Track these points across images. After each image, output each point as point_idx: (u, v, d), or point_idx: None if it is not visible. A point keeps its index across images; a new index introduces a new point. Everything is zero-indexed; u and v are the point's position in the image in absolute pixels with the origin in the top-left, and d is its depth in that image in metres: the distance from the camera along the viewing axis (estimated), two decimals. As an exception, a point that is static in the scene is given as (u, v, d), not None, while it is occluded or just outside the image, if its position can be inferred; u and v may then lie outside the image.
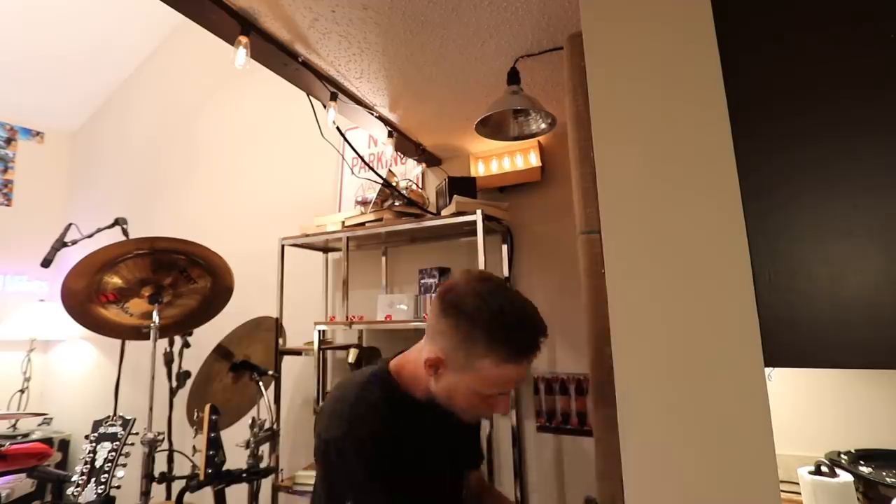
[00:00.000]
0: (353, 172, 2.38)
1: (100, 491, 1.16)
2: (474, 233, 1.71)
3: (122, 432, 1.27)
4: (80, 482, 1.18)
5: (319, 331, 1.92)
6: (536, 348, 0.83)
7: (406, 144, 1.97)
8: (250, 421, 1.60)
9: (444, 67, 1.42)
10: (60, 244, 2.18)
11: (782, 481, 0.84)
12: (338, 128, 1.56)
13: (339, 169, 2.49)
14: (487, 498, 1.17)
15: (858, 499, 0.99)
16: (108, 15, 3.06)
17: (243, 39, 1.18)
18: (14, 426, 3.02)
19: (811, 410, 1.26)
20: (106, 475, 1.19)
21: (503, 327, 0.82)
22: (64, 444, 3.17)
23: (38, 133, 3.73)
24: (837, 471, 0.99)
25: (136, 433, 1.32)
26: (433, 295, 1.88)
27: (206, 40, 1.36)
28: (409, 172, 2.29)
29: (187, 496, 1.39)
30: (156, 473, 1.54)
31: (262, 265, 2.54)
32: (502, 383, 0.85)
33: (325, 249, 2.38)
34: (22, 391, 3.22)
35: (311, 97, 1.52)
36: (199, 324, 1.89)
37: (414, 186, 2.11)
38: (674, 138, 0.64)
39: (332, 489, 0.88)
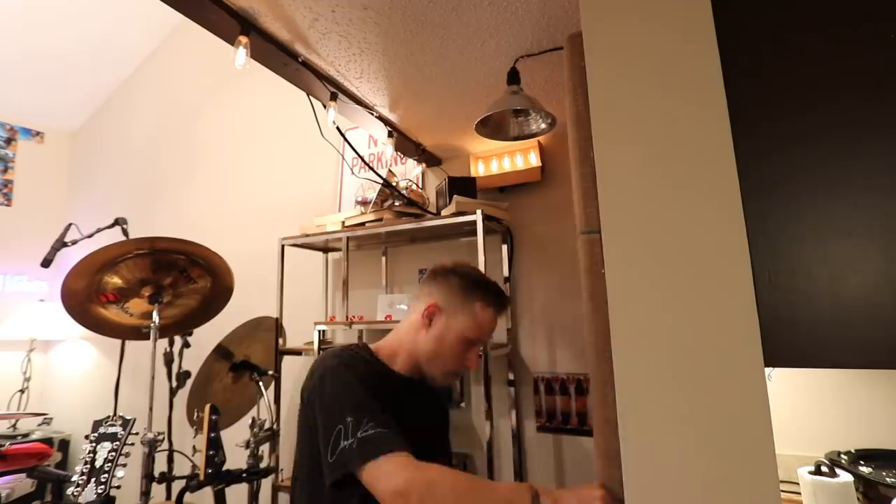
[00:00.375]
0: (353, 172, 2.38)
1: (100, 491, 1.16)
2: (474, 233, 1.71)
3: (122, 432, 1.27)
4: (80, 482, 1.18)
5: (319, 331, 1.92)
6: (506, 304, 1.14)
7: (406, 144, 1.97)
8: (250, 421, 1.60)
9: (444, 67, 1.42)
10: (60, 244, 2.19)
11: (782, 481, 0.84)
12: (338, 128, 1.56)
13: (339, 169, 2.49)
14: None
15: (858, 499, 0.99)
16: (108, 15, 3.06)
17: (243, 39, 1.18)
18: (14, 426, 3.02)
19: (811, 410, 1.26)
20: (106, 475, 1.19)
21: (487, 282, 1.12)
22: (64, 444, 3.17)
23: (38, 133, 3.73)
24: (837, 471, 0.99)
25: (136, 433, 1.32)
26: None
27: (206, 40, 1.36)
28: (409, 172, 2.29)
29: (187, 496, 1.39)
30: (156, 473, 1.54)
31: (262, 265, 2.54)
32: (486, 326, 1.07)
33: (325, 249, 2.38)
34: (22, 391, 3.22)
35: (311, 97, 1.52)
36: (199, 324, 1.89)
37: (414, 186, 2.11)
38: (674, 138, 0.64)
39: (331, 416, 0.87)
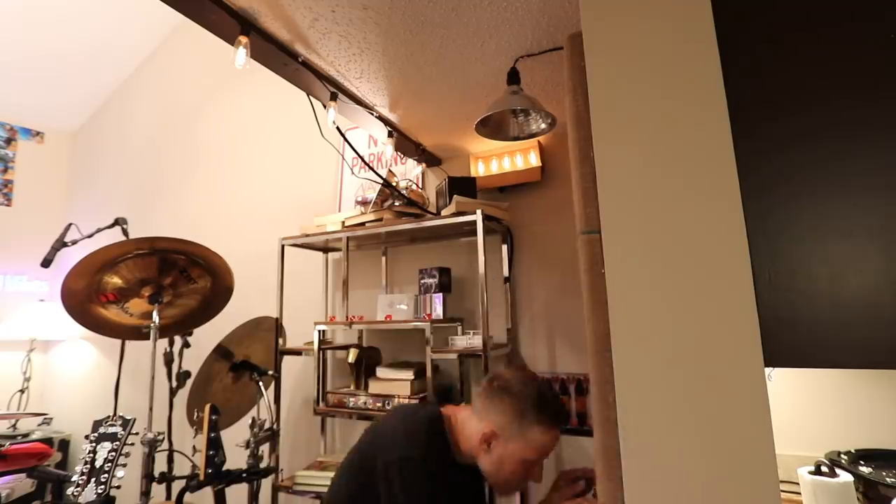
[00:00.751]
0: (353, 172, 2.38)
1: (100, 491, 1.16)
2: (474, 233, 1.71)
3: (122, 432, 1.27)
4: (80, 482, 1.18)
5: (319, 331, 1.92)
6: (566, 421, 1.16)
7: (406, 144, 1.97)
8: (250, 421, 1.60)
9: (444, 67, 1.42)
10: (60, 244, 2.19)
11: (782, 481, 0.84)
12: (338, 128, 1.56)
13: (339, 169, 2.49)
14: None
15: (858, 499, 0.99)
16: (108, 15, 3.06)
17: (243, 39, 1.18)
18: (14, 426, 3.02)
19: (811, 410, 1.26)
20: (106, 475, 1.19)
21: (546, 402, 1.08)
22: (64, 444, 3.17)
23: (38, 133, 3.73)
24: (837, 471, 0.99)
25: (136, 433, 1.32)
26: (427, 296, 1.88)
27: (206, 40, 1.36)
28: (409, 172, 2.29)
29: (187, 496, 1.39)
30: (156, 473, 1.54)
31: (262, 265, 2.55)
32: (545, 448, 1.07)
33: (325, 249, 2.38)
34: (22, 391, 3.22)
35: (311, 97, 1.52)
36: (199, 324, 1.89)
37: (414, 186, 2.11)
38: (674, 138, 0.64)
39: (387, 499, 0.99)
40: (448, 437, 1.11)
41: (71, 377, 3.45)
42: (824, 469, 0.99)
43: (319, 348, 1.93)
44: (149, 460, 1.52)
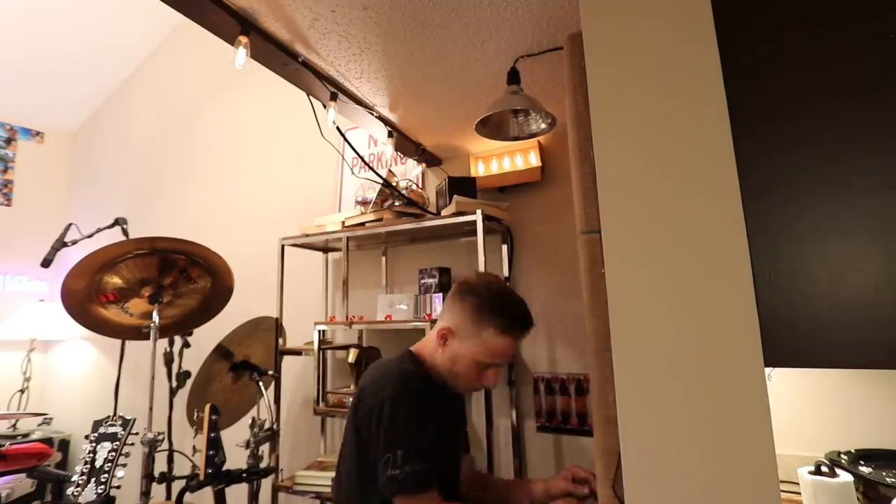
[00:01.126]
0: (353, 172, 2.38)
1: (100, 491, 1.16)
2: (474, 233, 1.71)
3: (122, 432, 1.27)
4: (80, 482, 1.18)
5: (319, 331, 1.92)
6: (527, 328, 1.08)
7: (406, 144, 1.97)
8: (250, 421, 1.60)
9: (444, 67, 1.42)
10: (60, 244, 2.19)
11: (782, 481, 0.84)
12: (338, 128, 1.56)
13: (339, 169, 2.49)
14: (483, 477, 1.37)
15: (858, 499, 0.99)
16: (108, 15, 3.06)
17: (243, 39, 1.18)
18: (14, 426, 3.02)
19: (811, 410, 1.26)
20: (106, 475, 1.19)
21: (504, 304, 1.07)
22: (64, 444, 3.17)
23: (38, 133, 3.73)
24: (837, 471, 0.99)
25: (136, 433, 1.32)
26: (427, 296, 1.88)
27: (206, 40, 1.36)
28: (409, 172, 2.29)
29: (187, 496, 1.39)
30: (156, 473, 1.54)
31: (262, 265, 2.55)
32: (498, 353, 1.06)
33: (325, 249, 2.38)
34: (22, 391, 3.22)
35: (311, 97, 1.52)
36: (199, 324, 1.89)
37: (414, 186, 2.11)
38: (674, 138, 0.64)
39: (384, 443, 0.98)
40: (421, 362, 1.12)
41: (71, 377, 3.45)
42: (824, 469, 0.99)
43: (319, 348, 1.93)
44: (149, 460, 1.52)
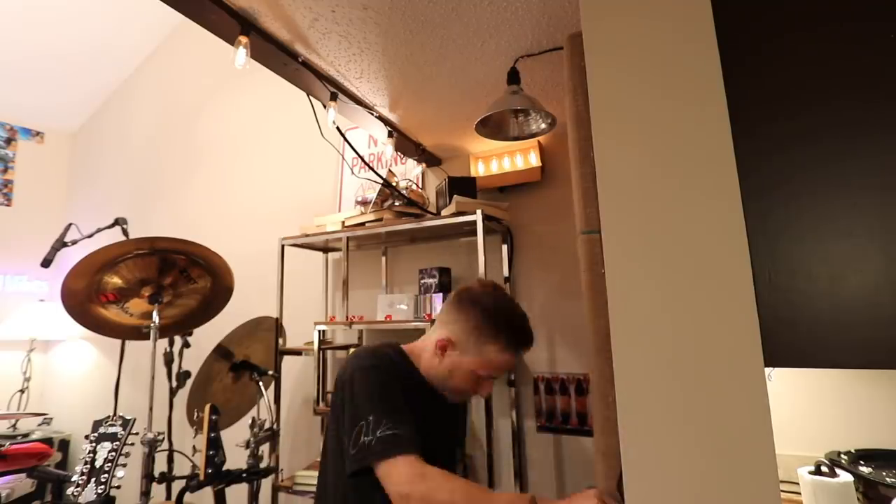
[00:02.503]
0: (353, 172, 2.38)
1: (100, 491, 1.16)
2: (474, 233, 1.71)
3: (122, 432, 1.27)
4: (80, 482, 1.18)
5: (319, 331, 1.92)
6: (530, 346, 1.07)
7: (406, 144, 1.97)
8: (250, 421, 1.60)
9: (444, 67, 1.42)
10: (60, 244, 2.19)
11: (782, 481, 0.84)
12: (338, 128, 1.56)
13: (339, 169, 2.49)
14: None
15: (858, 499, 0.99)
16: (108, 15, 3.06)
17: (243, 39, 1.18)
18: (14, 426, 3.02)
19: (811, 410, 1.26)
20: (106, 475, 1.19)
21: (510, 322, 1.04)
22: (64, 444, 3.17)
23: (38, 133, 3.73)
24: (837, 471, 0.99)
25: (136, 433, 1.32)
26: (427, 296, 1.88)
27: (206, 40, 1.36)
28: (409, 172, 2.29)
29: (187, 496, 1.39)
30: (156, 473, 1.54)
31: (262, 265, 2.55)
32: (498, 368, 1.04)
33: (325, 249, 2.38)
34: (22, 391, 3.22)
35: (311, 97, 1.52)
36: (199, 324, 1.89)
37: (414, 186, 2.11)
38: (674, 138, 0.64)
39: (355, 412, 0.93)
40: (409, 358, 1.08)
41: (71, 377, 3.45)
42: (824, 469, 0.99)
43: (319, 348, 1.93)
44: (149, 460, 1.52)
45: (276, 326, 2.03)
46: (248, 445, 1.54)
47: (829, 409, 1.24)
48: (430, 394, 1.08)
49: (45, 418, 3.24)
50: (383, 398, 0.94)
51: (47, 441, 2.96)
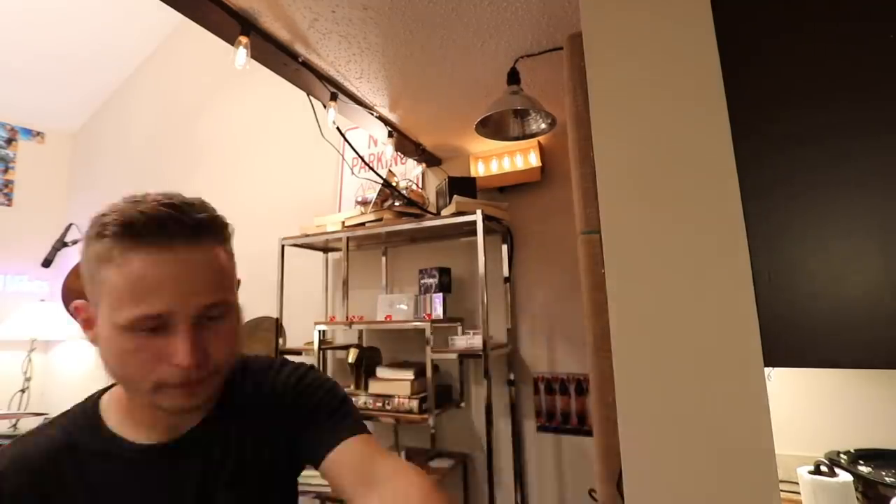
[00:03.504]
0: (353, 172, 2.38)
1: (100, 491, 1.16)
2: (474, 233, 1.71)
3: (123, 432, 1.27)
4: (81, 482, 1.17)
5: (319, 331, 1.92)
6: (159, 232, 0.54)
7: (406, 144, 1.97)
8: (250, 421, 1.60)
9: (444, 67, 1.42)
10: (61, 244, 2.19)
11: (782, 481, 0.84)
12: (338, 128, 1.56)
13: (339, 169, 2.49)
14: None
15: (858, 498, 0.99)
16: (108, 15, 3.06)
17: (243, 39, 1.18)
18: (14, 426, 3.02)
19: (811, 410, 1.26)
20: (106, 475, 1.19)
21: (106, 215, 0.56)
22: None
23: (38, 133, 3.73)
24: (837, 470, 0.99)
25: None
26: (427, 296, 1.88)
27: (206, 40, 1.36)
28: (409, 172, 2.29)
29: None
30: (156, 473, 1.54)
31: (262, 265, 2.54)
32: (137, 292, 0.51)
33: (325, 249, 2.38)
34: (22, 391, 3.22)
35: (311, 97, 1.52)
36: (200, 324, 1.89)
37: (414, 186, 2.11)
38: (674, 138, 0.64)
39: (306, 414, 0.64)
40: (98, 416, 0.59)
41: (71, 377, 3.44)
42: (824, 469, 0.99)
43: (319, 348, 1.93)
44: (149, 460, 1.52)
45: (277, 326, 2.03)
46: (248, 445, 1.54)
47: (829, 409, 1.24)
48: (157, 467, 0.57)
49: (45, 418, 3.23)
50: None
51: (47, 441, 2.96)
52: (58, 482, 0.55)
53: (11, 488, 0.53)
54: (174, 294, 0.52)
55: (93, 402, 0.61)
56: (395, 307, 1.93)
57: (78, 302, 0.56)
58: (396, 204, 1.94)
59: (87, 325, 0.55)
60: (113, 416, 0.58)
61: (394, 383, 1.82)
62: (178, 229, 0.56)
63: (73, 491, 0.55)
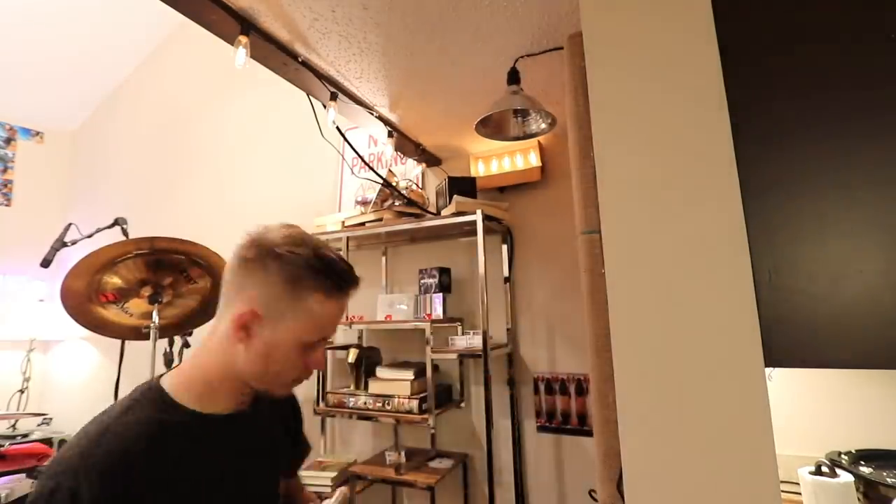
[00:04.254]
0: (353, 172, 2.38)
1: (99, 491, 1.16)
2: (474, 233, 1.71)
3: (122, 432, 1.27)
4: (80, 482, 1.17)
5: (319, 331, 1.92)
6: (355, 285, 0.86)
7: (406, 144, 1.97)
8: (250, 421, 1.60)
9: (445, 67, 1.42)
10: (60, 244, 2.18)
11: (782, 481, 0.84)
12: (338, 128, 1.56)
13: (339, 169, 2.49)
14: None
15: (859, 499, 0.99)
16: (108, 15, 3.06)
17: (243, 39, 1.18)
18: (14, 426, 3.02)
19: (811, 410, 1.26)
20: (106, 475, 1.19)
21: (325, 263, 0.80)
22: (64, 445, 3.17)
23: (37, 133, 3.73)
24: (838, 471, 0.99)
25: (136, 433, 1.32)
26: (427, 296, 1.87)
27: (206, 40, 1.36)
28: (409, 172, 2.29)
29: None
30: (155, 473, 1.54)
31: (262, 265, 2.54)
32: (328, 323, 0.79)
33: (325, 249, 2.37)
34: (22, 391, 3.22)
35: (311, 97, 1.52)
36: (199, 324, 1.89)
37: (414, 186, 2.11)
38: (674, 138, 0.64)
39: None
40: (170, 397, 0.74)
41: (71, 377, 3.44)
42: (825, 469, 0.99)
43: (319, 348, 1.93)
44: (148, 460, 1.52)
45: (276, 326, 2.02)
46: (247, 445, 1.54)
47: (830, 409, 1.24)
48: (231, 431, 0.77)
49: (44, 418, 3.24)
50: None
51: (47, 441, 2.96)
52: (163, 457, 0.69)
53: (131, 477, 0.65)
54: (335, 329, 0.85)
55: (156, 390, 0.76)
56: (395, 307, 1.93)
57: (247, 313, 0.74)
58: (396, 204, 1.94)
59: (247, 331, 0.74)
60: (185, 395, 0.75)
61: (394, 383, 1.82)
62: (354, 288, 0.87)
63: (176, 455, 0.70)
